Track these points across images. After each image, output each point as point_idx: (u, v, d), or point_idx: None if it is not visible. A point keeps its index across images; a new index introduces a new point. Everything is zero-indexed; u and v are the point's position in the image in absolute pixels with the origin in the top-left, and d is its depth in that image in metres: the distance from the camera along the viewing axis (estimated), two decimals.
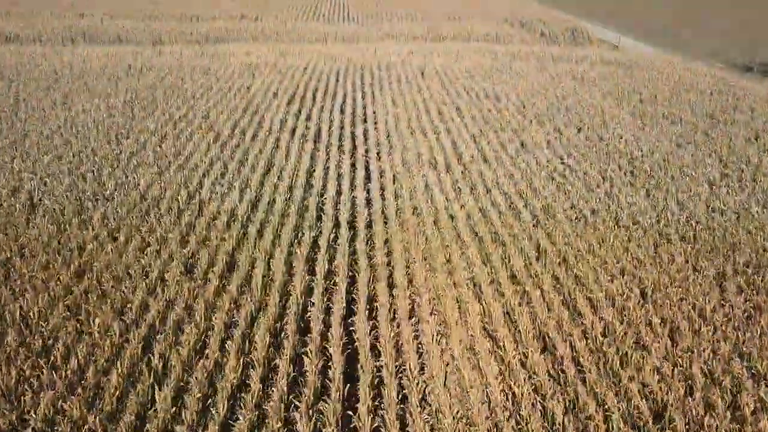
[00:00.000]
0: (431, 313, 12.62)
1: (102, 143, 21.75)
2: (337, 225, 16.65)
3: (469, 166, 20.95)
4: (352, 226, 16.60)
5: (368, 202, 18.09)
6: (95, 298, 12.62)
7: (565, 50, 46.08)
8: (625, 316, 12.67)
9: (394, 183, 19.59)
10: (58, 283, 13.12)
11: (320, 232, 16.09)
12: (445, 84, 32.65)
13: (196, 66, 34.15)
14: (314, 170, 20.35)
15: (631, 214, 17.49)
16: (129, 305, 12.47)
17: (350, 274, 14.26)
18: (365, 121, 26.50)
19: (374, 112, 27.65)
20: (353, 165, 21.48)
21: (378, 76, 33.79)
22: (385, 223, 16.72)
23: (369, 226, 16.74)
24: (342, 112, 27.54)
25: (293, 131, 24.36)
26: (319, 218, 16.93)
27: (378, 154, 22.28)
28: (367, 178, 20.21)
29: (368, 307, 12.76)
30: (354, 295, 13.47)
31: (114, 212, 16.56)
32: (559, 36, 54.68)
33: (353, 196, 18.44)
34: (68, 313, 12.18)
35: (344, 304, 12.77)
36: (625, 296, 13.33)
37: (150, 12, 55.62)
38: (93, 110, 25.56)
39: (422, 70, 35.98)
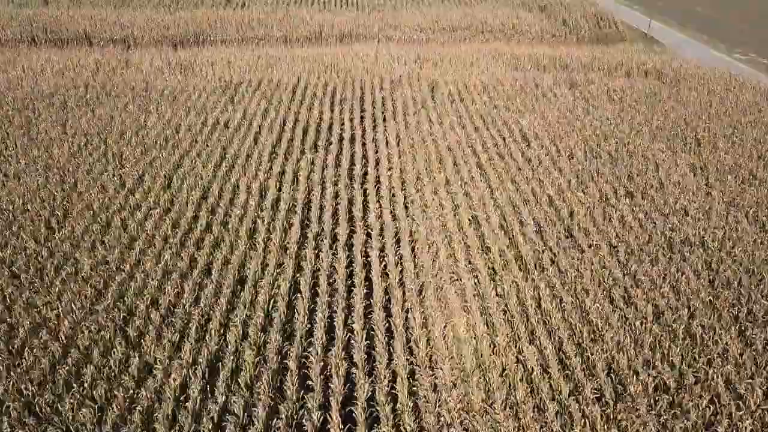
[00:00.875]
0: None
1: (27, 238, 16.88)
2: (325, 409, 12.01)
3: (503, 275, 16.10)
4: (348, 416, 11.94)
5: (370, 360, 13.38)
6: None
7: (594, 49, 40.49)
8: None
9: (403, 308, 14.85)
10: None
11: None
12: (460, 113, 27.41)
13: (165, 88, 28.83)
14: (299, 283, 15.58)
15: (732, 385, 12.79)
16: None
17: None
18: (365, 176, 21.57)
19: (377, 163, 22.67)
20: (350, 264, 16.66)
21: (380, 101, 28.50)
22: (395, 414, 12.03)
23: (371, 408, 12.12)
24: (337, 164, 22.51)
25: (276, 204, 19.42)
26: (301, 400, 12.24)
27: (382, 246, 17.44)
28: (368, 295, 15.46)
29: None
30: None
31: (14, 397, 11.87)
32: (582, 24, 48.75)
33: (348, 348, 13.73)
34: None
35: None
36: None
37: None
38: (28, 173, 20.54)
39: (432, 88, 30.68)
